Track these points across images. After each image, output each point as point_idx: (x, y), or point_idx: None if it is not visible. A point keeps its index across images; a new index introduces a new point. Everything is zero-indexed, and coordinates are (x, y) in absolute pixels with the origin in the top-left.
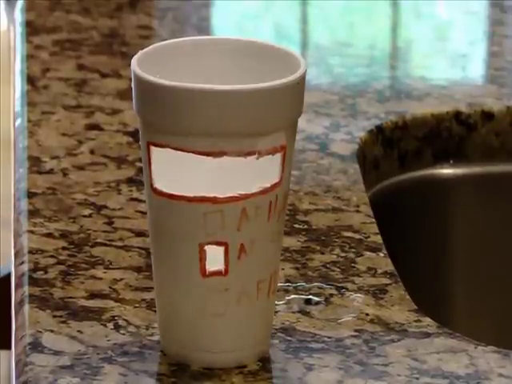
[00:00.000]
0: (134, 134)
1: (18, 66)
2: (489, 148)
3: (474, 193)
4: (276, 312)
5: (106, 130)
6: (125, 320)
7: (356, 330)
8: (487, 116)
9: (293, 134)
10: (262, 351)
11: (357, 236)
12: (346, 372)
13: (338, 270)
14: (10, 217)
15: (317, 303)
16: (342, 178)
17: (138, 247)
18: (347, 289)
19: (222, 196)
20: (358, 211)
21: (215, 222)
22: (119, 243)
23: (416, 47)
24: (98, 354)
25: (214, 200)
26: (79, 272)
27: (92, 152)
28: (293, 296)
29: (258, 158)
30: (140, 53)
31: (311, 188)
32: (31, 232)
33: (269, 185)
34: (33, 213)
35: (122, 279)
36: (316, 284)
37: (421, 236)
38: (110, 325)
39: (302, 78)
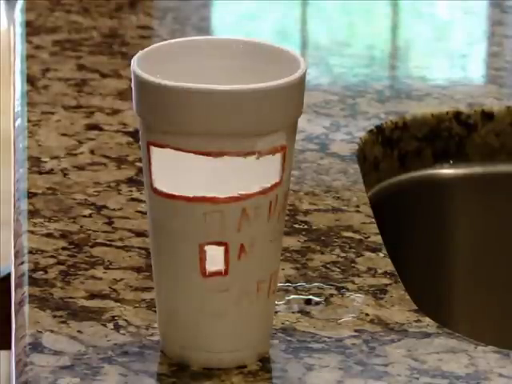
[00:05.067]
0: (134, 134)
1: (18, 66)
2: (489, 148)
3: (474, 193)
4: (276, 312)
5: (106, 130)
6: (125, 320)
7: (356, 330)
8: (487, 116)
9: (293, 134)
10: (262, 351)
11: (357, 236)
12: (346, 372)
13: (338, 270)
14: (10, 217)
15: (317, 303)
16: (341, 178)
17: (138, 247)
18: (347, 289)
19: (222, 196)
20: (358, 211)
21: (215, 222)
22: (119, 243)
23: (416, 47)
24: (98, 354)
25: (214, 200)
26: (79, 272)
27: (92, 152)
28: (293, 296)
29: (258, 158)
30: (140, 53)
31: (311, 188)
32: (31, 232)
33: (269, 185)
34: (33, 213)
35: (122, 279)
36: (316, 284)
37: (421, 236)
38: (110, 325)
39: (302, 78)
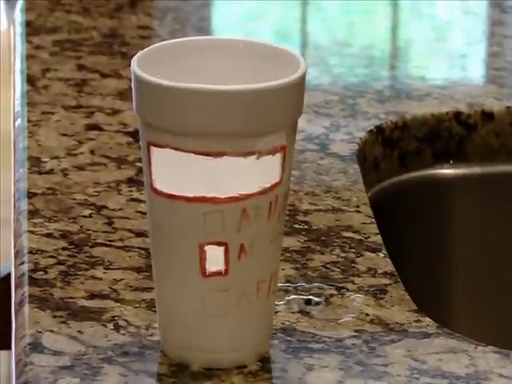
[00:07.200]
0: (134, 134)
1: (18, 66)
2: (489, 148)
3: (474, 193)
4: (276, 312)
5: (106, 131)
6: (125, 320)
7: (356, 330)
8: (487, 116)
9: (293, 134)
10: (262, 351)
11: (357, 236)
12: (346, 372)
13: (338, 270)
14: (9, 217)
15: (317, 303)
16: (342, 178)
17: (138, 247)
18: (347, 289)
19: (221, 196)
20: (358, 211)
21: (215, 222)
22: (119, 243)
23: (416, 47)
24: (98, 354)
25: (214, 200)
26: (79, 272)
27: (92, 152)
28: (293, 296)
29: (258, 158)
30: (140, 53)
31: (311, 188)
32: (31, 232)
33: (269, 185)
34: (33, 213)
35: (122, 279)
36: (316, 284)
37: (421, 236)
38: (110, 325)
39: (302, 78)
